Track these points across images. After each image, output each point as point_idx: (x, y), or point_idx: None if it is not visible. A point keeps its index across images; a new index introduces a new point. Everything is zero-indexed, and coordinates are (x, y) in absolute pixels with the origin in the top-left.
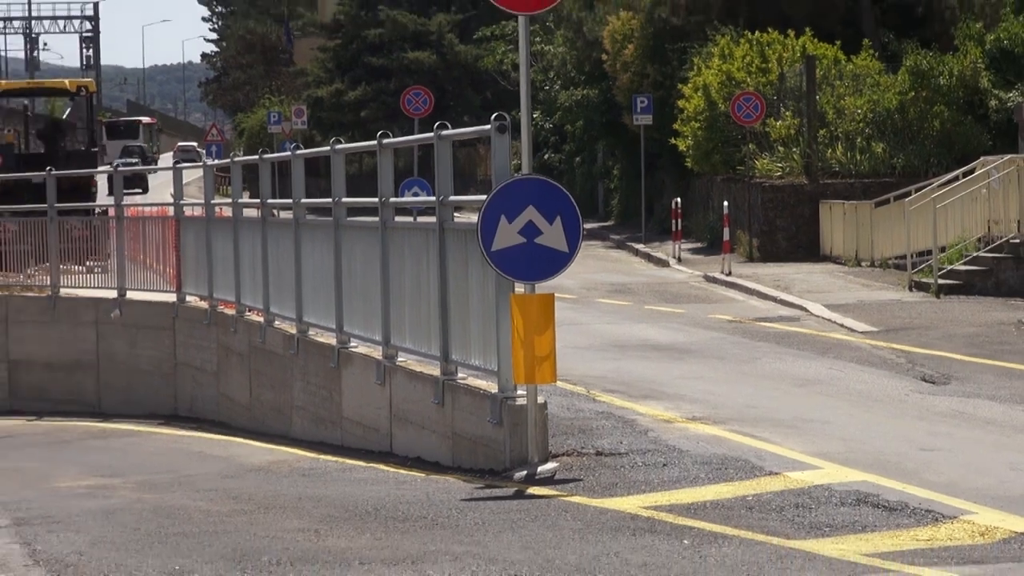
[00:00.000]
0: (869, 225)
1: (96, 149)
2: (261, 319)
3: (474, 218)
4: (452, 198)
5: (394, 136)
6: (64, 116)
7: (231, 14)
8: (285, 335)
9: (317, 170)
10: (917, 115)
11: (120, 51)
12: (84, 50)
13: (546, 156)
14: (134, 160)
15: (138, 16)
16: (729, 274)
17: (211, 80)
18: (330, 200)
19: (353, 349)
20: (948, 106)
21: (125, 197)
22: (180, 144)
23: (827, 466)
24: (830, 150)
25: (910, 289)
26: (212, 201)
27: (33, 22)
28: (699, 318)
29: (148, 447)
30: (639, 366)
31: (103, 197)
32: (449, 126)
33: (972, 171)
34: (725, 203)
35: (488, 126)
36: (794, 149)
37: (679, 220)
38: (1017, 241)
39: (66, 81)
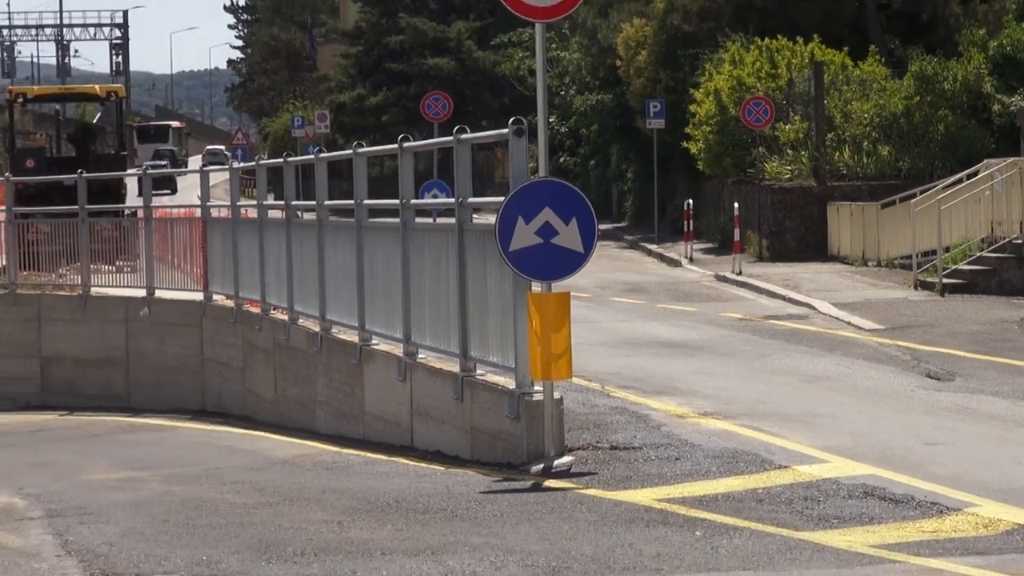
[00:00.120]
0: (876, 226)
1: (125, 153)
2: (285, 317)
3: (492, 219)
4: (471, 200)
5: (414, 140)
6: (94, 120)
7: (256, 21)
8: (309, 333)
9: (340, 173)
10: (922, 119)
11: (149, 57)
12: (114, 56)
13: (562, 159)
14: (163, 163)
15: (166, 23)
16: (740, 273)
17: (237, 85)
18: (352, 202)
19: (375, 346)
20: (952, 110)
21: (154, 198)
22: (208, 147)
23: (835, 460)
24: (838, 153)
25: (915, 288)
26: (238, 203)
27: (64, 29)
28: (710, 316)
29: (176, 441)
30: (652, 363)
31: (133, 198)
32: (468, 130)
33: (976, 173)
34: (736, 204)
35: (506, 130)
36: (803, 152)
37: (691, 221)
38: (1019, 241)
39: (96, 87)
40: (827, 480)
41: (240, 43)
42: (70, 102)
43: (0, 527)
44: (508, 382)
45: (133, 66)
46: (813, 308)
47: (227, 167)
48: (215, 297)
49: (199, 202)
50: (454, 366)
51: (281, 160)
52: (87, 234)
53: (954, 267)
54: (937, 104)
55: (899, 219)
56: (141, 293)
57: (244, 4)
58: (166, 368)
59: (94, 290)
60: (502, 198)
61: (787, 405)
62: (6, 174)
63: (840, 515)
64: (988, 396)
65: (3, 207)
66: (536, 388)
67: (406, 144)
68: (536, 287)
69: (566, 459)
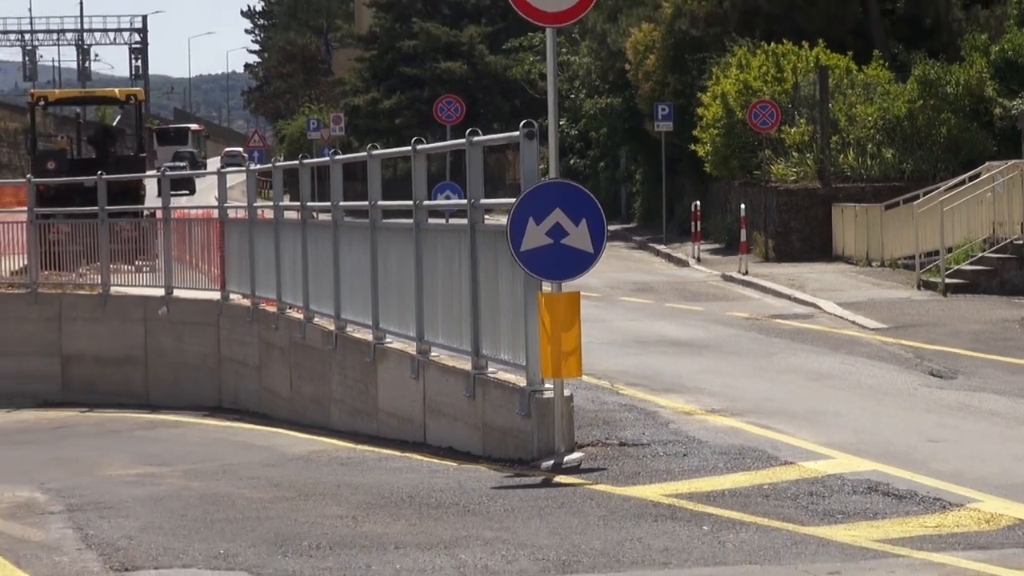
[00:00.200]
0: (879, 227)
1: (144, 155)
2: (301, 316)
3: (504, 220)
4: (483, 201)
5: (427, 142)
6: (114, 123)
7: (273, 26)
8: (324, 331)
9: (354, 174)
10: (925, 122)
11: (167, 61)
12: (133, 60)
13: (572, 161)
14: (183, 164)
15: (184, 28)
16: (746, 273)
17: (253, 89)
18: (367, 203)
19: (388, 345)
20: (955, 114)
21: (173, 199)
22: (227, 149)
23: (839, 456)
24: (842, 155)
25: (918, 288)
26: (254, 204)
27: (85, 34)
28: (717, 315)
29: (194, 437)
30: (660, 361)
31: (152, 199)
32: (480, 133)
33: (977, 175)
34: (742, 206)
35: (517, 133)
36: (808, 155)
37: (698, 222)
38: (1020, 242)
39: (116, 90)
40: (832, 476)
41: (257, 47)
42: (90, 105)
43: (22, 521)
44: (519, 380)
45: (152, 70)
46: (818, 307)
47: (244, 169)
48: (232, 296)
49: (216, 203)
50: (466, 364)
51: (297, 162)
52: (107, 234)
53: (956, 267)
54: (940, 107)
55: (902, 220)
56: (160, 292)
57: (261, 9)
58: (184, 366)
59: (114, 289)
60: (513, 199)
61: (793, 403)
62: (28, 175)
63: (845, 510)
64: (990, 394)
65: (25, 208)
66: (547, 386)
67: (419, 146)
68: (547, 287)
69: (576, 455)
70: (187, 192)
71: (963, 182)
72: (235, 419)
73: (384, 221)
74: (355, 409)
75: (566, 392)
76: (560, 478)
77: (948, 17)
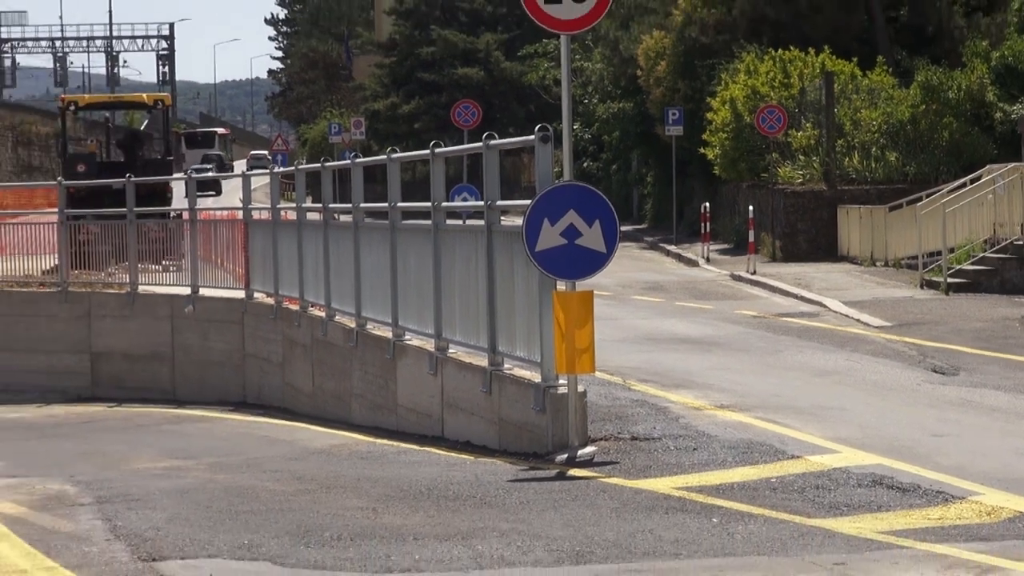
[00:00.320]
0: (883, 228)
1: (172, 157)
2: (323, 314)
3: (519, 221)
4: (499, 203)
5: (445, 146)
6: (142, 127)
7: (296, 34)
8: (345, 329)
9: (374, 177)
10: (928, 126)
11: (193, 67)
12: (160, 67)
13: (585, 164)
14: (209, 167)
15: (210, 36)
16: (754, 273)
17: (277, 94)
18: (386, 204)
19: (407, 342)
20: (956, 118)
21: (199, 200)
22: (252, 152)
23: (845, 450)
24: (847, 159)
25: (921, 287)
26: (278, 205)
27: (114, 41)
28: (726, 313)
29: (219, 432)
30: (671, 358)
31: (180, 200)
32: (496, 136)
33: (979, 178)
34: (750, 207)
35: (532, 136)
36: (814, 158)
37: (708, 223)
38: (1021, 243)
39: (144, 95)
40: (837, 470)
41: (280, 54)
42: (119, 110)
43: (52, 513)
44: (534, 376)
45: (179, 76)
46: (824, 306)
47: (268, 171)
48: (256, 295)
49: (241, 205)
50: (483, 360)
51: (319, 165)
52: (135, 235)
53: (958, 267)
54: (942, 112)
55: (906, 221)
56: (186, 291)
57: (284, 17)
58: (210, 363)
59: (141, 288)
60: (528, 201)
61: (799, 398)
62: (58, 178)
63: (850, 503)
64: (991, 390)
65: (56, 209)
66: (561, 382)
67: (437, 150)
68: (561, 286)
69: (589, 449)
70: (214, 193)
71: (964, 184)
72: (259, 414)
73: (403, 222)
74: (375, 404)
75: (580, 388)
76: (574, 471)
77: (950, 24)
